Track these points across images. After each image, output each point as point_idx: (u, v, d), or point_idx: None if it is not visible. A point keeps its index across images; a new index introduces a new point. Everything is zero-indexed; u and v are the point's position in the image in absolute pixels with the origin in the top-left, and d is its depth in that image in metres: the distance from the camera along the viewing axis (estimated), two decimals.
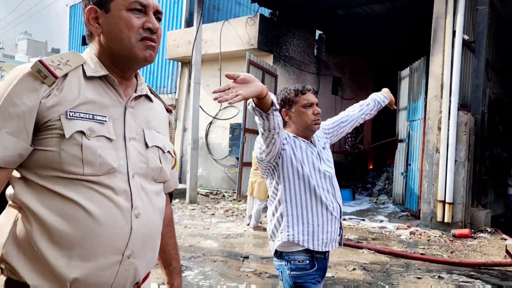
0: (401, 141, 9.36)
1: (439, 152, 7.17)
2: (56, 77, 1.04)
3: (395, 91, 9.96)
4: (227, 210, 8.44)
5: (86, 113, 1.06)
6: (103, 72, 1.13)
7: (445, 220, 6.98)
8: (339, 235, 2.10)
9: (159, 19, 1.16)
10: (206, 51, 10.40)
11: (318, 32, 12.12)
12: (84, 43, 16.50)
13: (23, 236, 1.02)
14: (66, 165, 1.02)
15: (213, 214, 8.09)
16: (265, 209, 7.75)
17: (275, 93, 10.35)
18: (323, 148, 2.19)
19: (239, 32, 10.08)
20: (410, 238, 6.59)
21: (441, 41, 7.27)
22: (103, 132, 1.07)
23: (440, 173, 7.07)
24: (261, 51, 10.00)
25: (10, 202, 1.08)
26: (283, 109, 2.11)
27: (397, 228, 7.26)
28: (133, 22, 1.11)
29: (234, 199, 9.56)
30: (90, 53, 1.17)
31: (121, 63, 1.15)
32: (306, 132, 2.11)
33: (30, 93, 1.02)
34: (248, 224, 6.96)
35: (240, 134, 9.46)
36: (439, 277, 4.61)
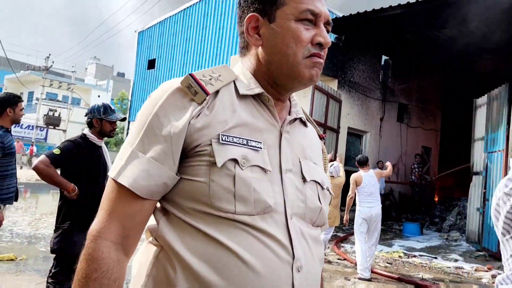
0: (477, 173, 8.65)
1: None
2: (207, 93, 0.89)
3: (468, 120, 9.35)
4: None
5: (239, 138, 0.88)
6: (257, 90, 0.96)
7: None
8: None
9: (328, 32, 0.98)
10: None
11: (384, 58, 11.76)
12: (150, 67, 17.17)
13: (164, 283, 0.85)
14: (216, 200, 0.84)
15: None
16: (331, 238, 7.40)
17: (338, 119, 10.08)
18: None
19: None
20: (493, 282, 5.93)
21: None
22: (258, 161, 0.88)
23: None
24: (325, 76, 9.81)
25: (150, 238, 0.92)
26: None
27: (475, 270, 6.61)
28: (302, 36, 0.93)
29: None
30: (242, 67, 1.01)
31: (280, 82, 0.97)
32: None
33: (178, 112, 0.87)
34: None
35: None
36: None
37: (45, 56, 28.66)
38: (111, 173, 0.87)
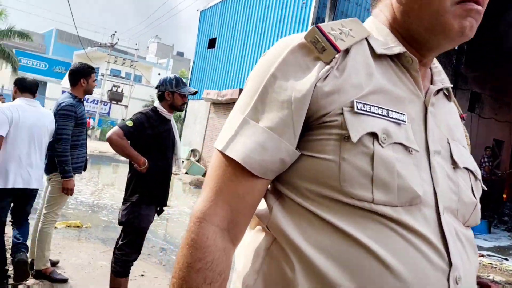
0: None
1: None
2: (338, 50, 0.71)
3: None
4: None
5: (378, 107, 0.70)
6: (398, 49, 0.76)
7: None
8: None
9: None
10: None
11: None
12: (210, 46, 17.21)
13: (280, 284, 0.69)
14: (348, 184, 0.66)
15: None
16: None
17: None
18: None
19: None
20: None
21: None
22: (401, 138, 0.69)
23: None
24: None
25: (258, 226, 0.77)
26: None
27: None
28: None
29: None
30: (375, 21, 0.82)
31: (421, 38, 0.77)
32: None
33: (301, 72, 0.70)
34: None
35: None
36: None
37: (111, 34, 29.74)
38: (218, 145, 0.72)
